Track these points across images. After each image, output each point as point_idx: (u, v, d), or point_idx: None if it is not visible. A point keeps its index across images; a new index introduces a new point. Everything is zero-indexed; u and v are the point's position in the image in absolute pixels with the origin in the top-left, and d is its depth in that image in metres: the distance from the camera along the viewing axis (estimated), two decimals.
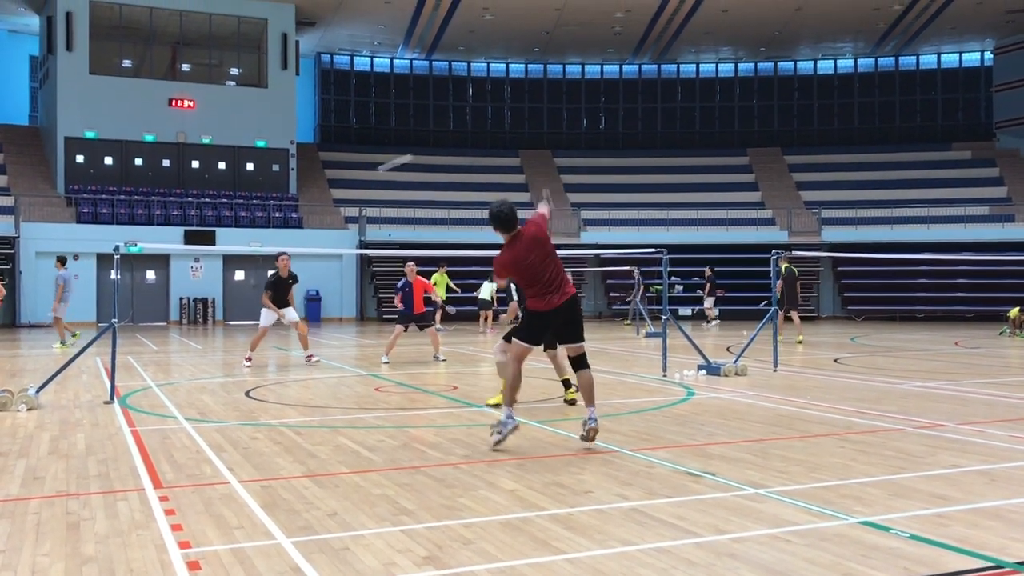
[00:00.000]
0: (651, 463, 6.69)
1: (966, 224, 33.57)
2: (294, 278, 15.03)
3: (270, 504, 5.53)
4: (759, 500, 5.56)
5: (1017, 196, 36.04)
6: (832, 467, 6.50)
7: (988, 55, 41.55)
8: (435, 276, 24.27)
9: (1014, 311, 22.57)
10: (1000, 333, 22.61)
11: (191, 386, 12.02)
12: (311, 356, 15.10)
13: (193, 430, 8.34)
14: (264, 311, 14.86)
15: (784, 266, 19.78)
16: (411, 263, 15.66)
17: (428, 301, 16.45)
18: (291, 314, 14.94)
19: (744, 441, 7.62)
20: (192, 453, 7.23)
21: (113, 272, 10.99)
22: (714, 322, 27.46)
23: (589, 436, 7.25)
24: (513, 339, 7.55)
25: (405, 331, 15.65)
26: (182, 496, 5.77)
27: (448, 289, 25.08)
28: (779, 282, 19.73)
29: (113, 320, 10.70)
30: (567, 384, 9.69)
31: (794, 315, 19.99)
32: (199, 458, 7.02)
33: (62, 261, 19.65)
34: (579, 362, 7.51)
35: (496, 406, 9.15)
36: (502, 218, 7.40)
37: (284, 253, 14.94)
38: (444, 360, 15.24)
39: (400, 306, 15.41)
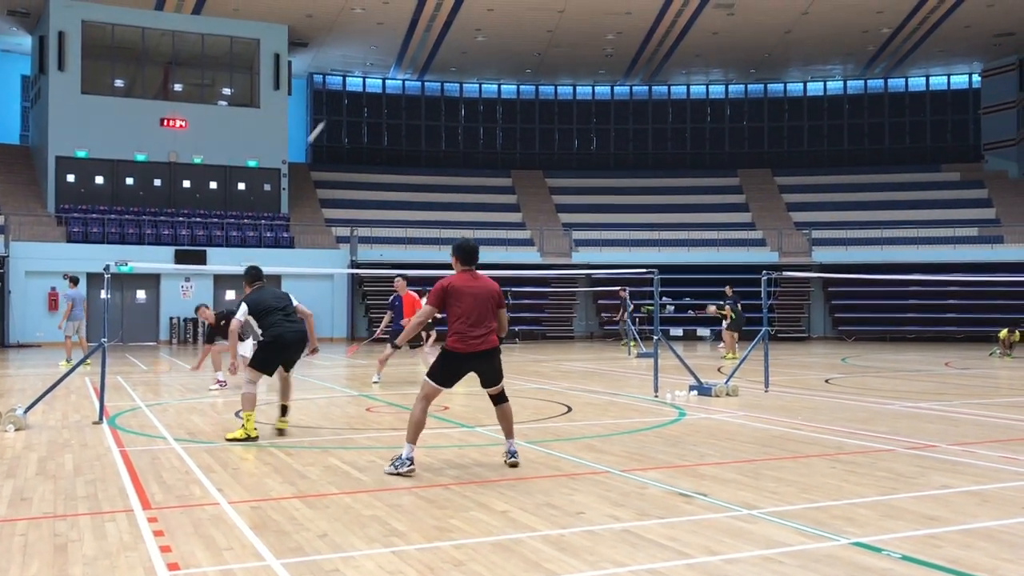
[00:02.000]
0: (643, 484, 6.67)
1: (955, 245, 33.74)
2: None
3: (260, 525, 5.49)
4: (751, 521, 5.55)
5: (1005, 217, 36.27)
6: (824, 488, 6.50)
7: (976, 78, 41.91)
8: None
9: (1003, 332, 22.69)
10: (990, 354, 22.68)
11: (181, 406, 11.96)
12: (222, 381, 14.26)
13: (182, 450, 8.29)
14: (243, 342, 14.29)
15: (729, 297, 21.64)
16: (400, 278, 15.29)
17: None
18: (248, 348, 14.34)
19: (736, 462, 7.61)
20: (181, 474, 7.19)
21: (103, 291, 10.95)
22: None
23: (511, 465, 7.29)
24: (426, 379, 7.36)
25: (394, 352, 15.45)
26: (171, 517, 5.73)
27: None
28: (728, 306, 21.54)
29: (103, 340, 10.65)
30: (284, 410, 9.45)
31: (733, 336, 21.30)
32: (188, 479, 6.98)
33: (74, 280, 19.63)
34: (499, 398, 7.47)
35: (236, 440, 8.69)
36: (468, 249, 7.52)
37: (206, 305, 15.47)
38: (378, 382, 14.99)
39: (389, 325, 15.14)
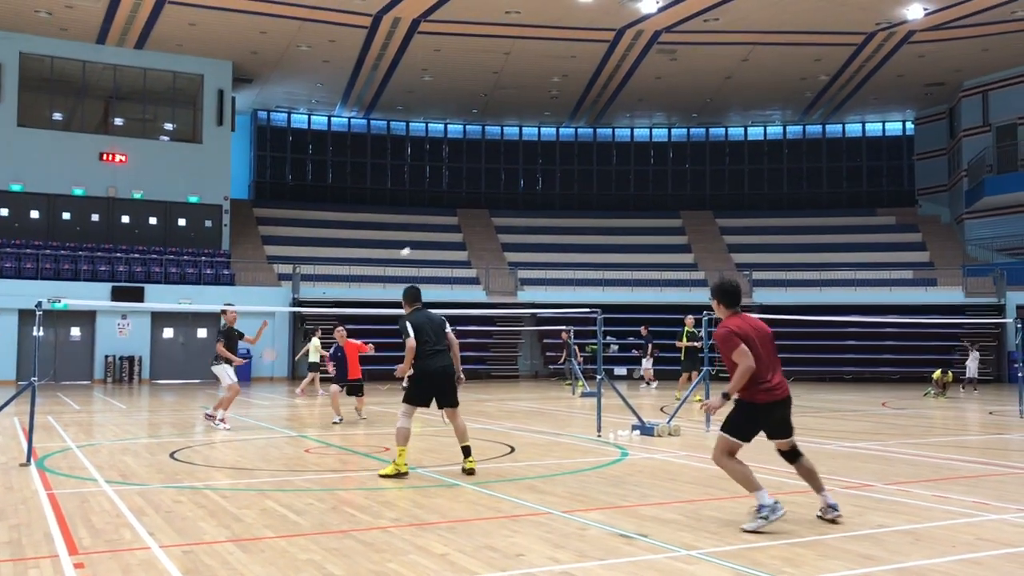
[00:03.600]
0: (584, 525, 6.64)
1: (891, 287, 34.52)
2: (240, 333, 14.57)
3: (191, 570, 5.34)
4: (691, 562, 5.55)
5: (939, 261, 37.27)
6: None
7: (910, 125, 43.25)
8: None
9: (937, 373, 23.23)
10: (924, 394, 23.16)
11: (113, 447, 11.64)
12: (218, 418, 14.04)
13: (114, 493, 8.05)
14: (223, 367, 14.15)
15: (688, 330, 20.57)
16: (340, 328, 15.45)
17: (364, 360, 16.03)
18: (232, 375, 14.37)
19: (677, 502, 7.62)
20: (112, 517, 6.97)
21: (35, 329, 10.66)
22: (654, 383, 26.94)
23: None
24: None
25: (342, 390, 15.39)
26: (99, 563, 5.54)
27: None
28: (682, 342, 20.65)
29: (33, 379, 10.35)
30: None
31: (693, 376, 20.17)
32: (119, 522, 6.77)
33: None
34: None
35: (388, 476, 8.76)
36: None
37: (230, 304, 14.55)
38: (365, 419, 15.15)
39: (332, 371, 15.25)
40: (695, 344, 20.28)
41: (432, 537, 6.23)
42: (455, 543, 6.03)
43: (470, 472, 8.95)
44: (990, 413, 18.30)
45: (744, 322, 6.89)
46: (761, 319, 7.33)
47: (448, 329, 9.19)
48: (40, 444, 11.45)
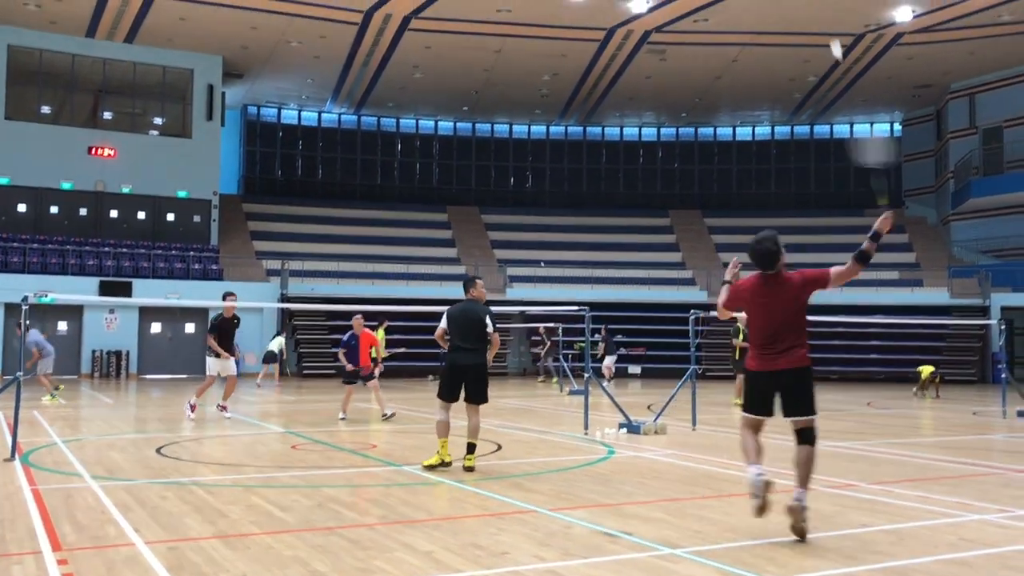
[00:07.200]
0: (569, 523, 6.67)
1: (878, 288, 34.69)
2: (238, 320, 14.48)
3: (176, 567, 5.34)
4: (674, 560, 5.58)
5: (925, 262, 37.48)
6: (746, 527, 6.57)
7: (897, 127, 43.47)
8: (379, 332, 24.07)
9: (927, 371, 23.18)
10: (914, 392, 23.31)
11: (100, 442, 11.61)
12: (225, 408, 14.49)
13: (99, 488, 8.03)
14: (211, 359, 14.14)
15: (743, 328, 19.40)
16: (359, 316, 15.30)
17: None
18: (232, 366, 14.34)
19: (661, 500, 7.66)
20: (96, 513, 6.96)
21: (21, 323, 10.62)
22: (610, 381, 27.08)
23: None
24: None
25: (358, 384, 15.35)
26: (83, 559, 5.54)
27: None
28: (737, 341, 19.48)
29: (18, 373, 10.31)
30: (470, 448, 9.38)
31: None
32: (103, 518, 6.76)
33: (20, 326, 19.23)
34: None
35: (431, 467, 9.06)
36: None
37: (231, 293, 14.25)
38: (393, 415, 14.89)
39: (345, 362, 14.93)
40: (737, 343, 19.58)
41: (417, 535, 6.24)
42: (441, 541, 6.05)
43: (469, 469, 9.05)
44: (974, 413, 18.43)
45: (748, 283, 6.73)
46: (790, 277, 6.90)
47: (490, 328, 9.19)
48: (25, 439, 11.40)
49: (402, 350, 19.15)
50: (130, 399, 20.60)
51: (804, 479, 6.30)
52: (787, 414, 6.48)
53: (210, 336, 14.07)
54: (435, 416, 9.36)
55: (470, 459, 9.12)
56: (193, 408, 14.27)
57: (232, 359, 14.28)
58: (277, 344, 26.79)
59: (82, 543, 5.95)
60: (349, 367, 14.96)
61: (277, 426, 14.10)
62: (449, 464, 9.06)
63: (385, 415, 14.76)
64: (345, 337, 15.18)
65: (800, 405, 6.43)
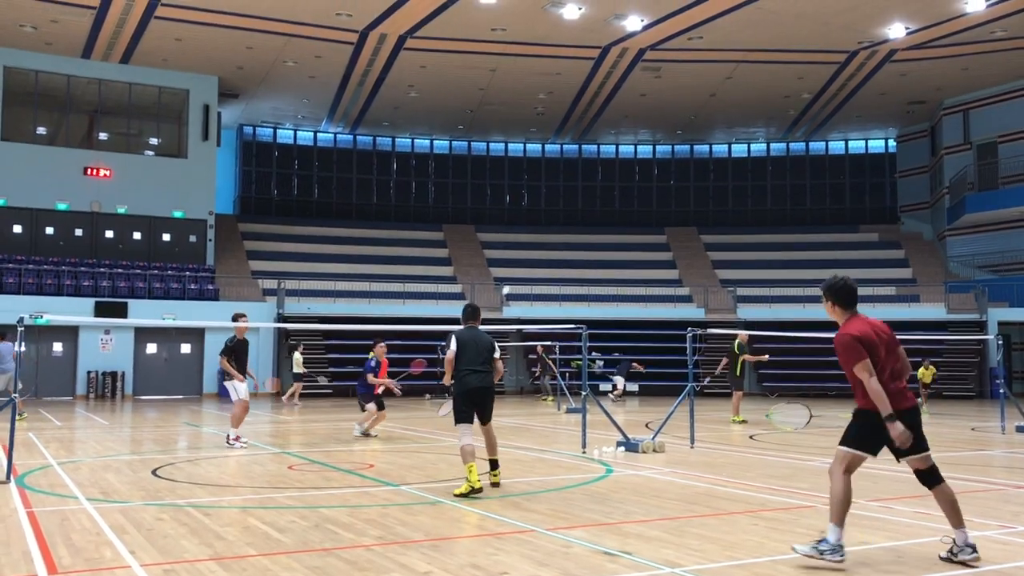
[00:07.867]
0: (568, 543, 6.63)
1: (874, 304, 34.67)
2: (247, 342, 14.24)
3: None
4: None
5: (921, 277, 37.53)
6: (746, 545, 6.54)
7: (892, 143, 43.63)
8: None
9: (927, 373, 23.13)
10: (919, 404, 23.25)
11: (95, 464, 11.55)
12: (238, 437, 13.77)
13: (95, 511, 7.98)
14: (231, 383, 13.76)
15: (737, 342, 19.31)
16: (382, 344, 15.61)
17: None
18: (245, 389, 13.78)
19: (661, 519, 7.62)
20: (92, 535, 6.91)
21: (16, 344, 10.58)
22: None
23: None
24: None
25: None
26: None
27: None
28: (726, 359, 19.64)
29: (13, 394, 10.27)
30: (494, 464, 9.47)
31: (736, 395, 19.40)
32: (99, 540, 6.72)
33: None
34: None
35: (463, 495, 8.66)
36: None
37: (243, 314, 13.99)
38: (375, 436, 15.13)
39: (379, 390, 15.26)
40: (750, 357, 19.75)
41: (415, 555, 6.20)
42: (438, 561, 6.01)
43: (496, 485, 9.21)
44: (972, 429, 18.40)
45: (868, 326, 6.09)
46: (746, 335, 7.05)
47: (497, 354, 9.36)
48: (20, 461, 11.35)
49: (406, 372, 19.23)
50: (126, 420, 20.51)
51: (961, 518, 6.00)
52: (908, 453, 6.12)
53: (223, 359, 13.74)
54: (459, 442, 9.05)
55: (495, 475, 9.30)
56: (237, 439, 13.74)
57: (244, 383, 13.90)
58: (296, 363, 26.65)
59: (77, 566, 5.91)
60: (379, 389, 15.31)
61: (273, 446, 14.03)
62: (480, 491, 8.70)
63: (367, 434, 15.12)
64: (372, 363, 15.38)
65: (921, 441, 6.13)
